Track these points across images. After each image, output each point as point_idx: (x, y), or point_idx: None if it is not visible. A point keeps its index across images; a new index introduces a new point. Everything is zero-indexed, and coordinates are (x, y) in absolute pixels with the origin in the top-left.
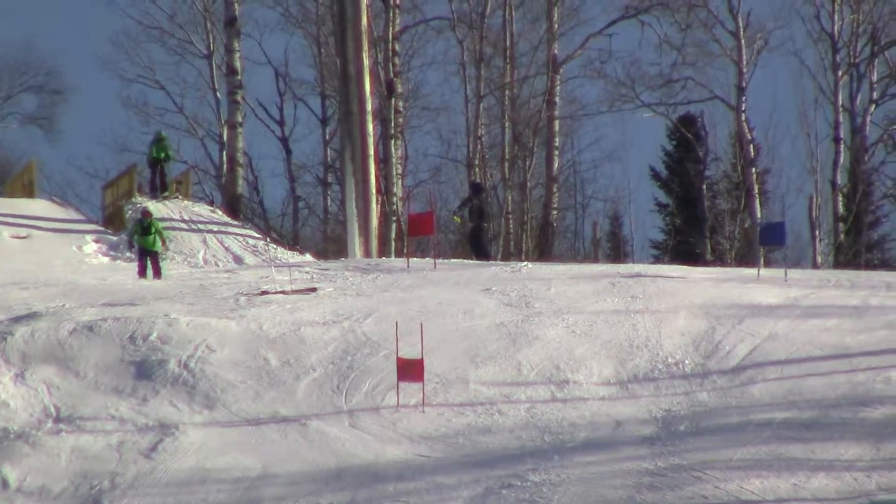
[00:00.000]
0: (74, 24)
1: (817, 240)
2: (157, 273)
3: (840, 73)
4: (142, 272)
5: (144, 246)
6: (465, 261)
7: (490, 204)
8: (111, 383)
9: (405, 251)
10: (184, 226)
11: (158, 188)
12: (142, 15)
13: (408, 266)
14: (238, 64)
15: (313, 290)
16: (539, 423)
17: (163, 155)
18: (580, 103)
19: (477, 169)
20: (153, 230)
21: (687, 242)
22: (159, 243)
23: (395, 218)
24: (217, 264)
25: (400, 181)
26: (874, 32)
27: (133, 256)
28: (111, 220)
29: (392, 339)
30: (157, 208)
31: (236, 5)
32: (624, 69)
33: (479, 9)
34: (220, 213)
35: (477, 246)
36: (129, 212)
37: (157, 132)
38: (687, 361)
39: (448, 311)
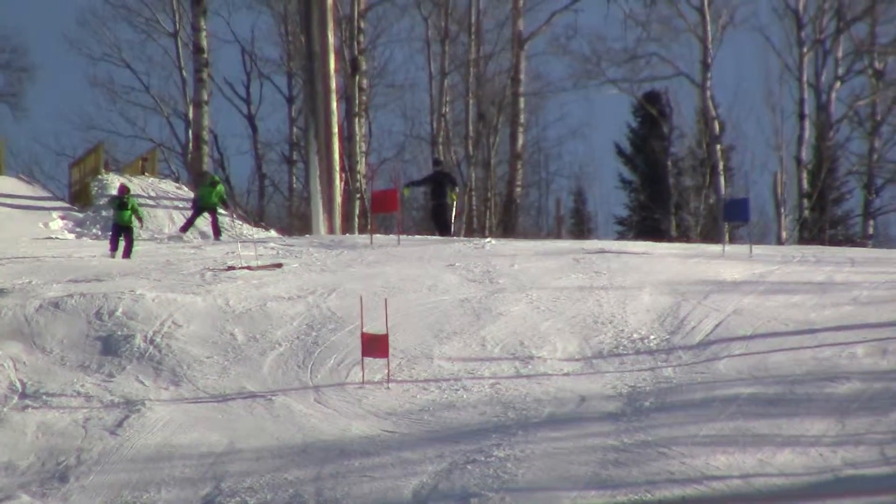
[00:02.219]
0: (41, 1)
1: (782, 216)
2: (128, 251)
3: (805, 49)
4: (113, 248)
5: (120, 222)
6: (429, 237)
7: (454, 179)
8: (77, 359)
9: (369, 227)
10: (151, 202)
11: (212, 234)
12: None
13: (371, 242)
14: (204, 42)
15: (278, 265)
16: (503, 399)
17: (215, 200)
18: (545, 80)
19: (441, 146)
20: (129, 206)
21: (652, 219)
22: (135, 220)
23: (358, 195)
24: (183, 240)
25: (364, 159)
26: (840, 8)
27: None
28: (78, 196)
29: (357, 314)
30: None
31: None
32: (589, 45)
33: None
34: (186, 189)
35: (439, 222)
36: (96, 188)
37: (210, 176)
38: (652, 337)
39: (412, 286)
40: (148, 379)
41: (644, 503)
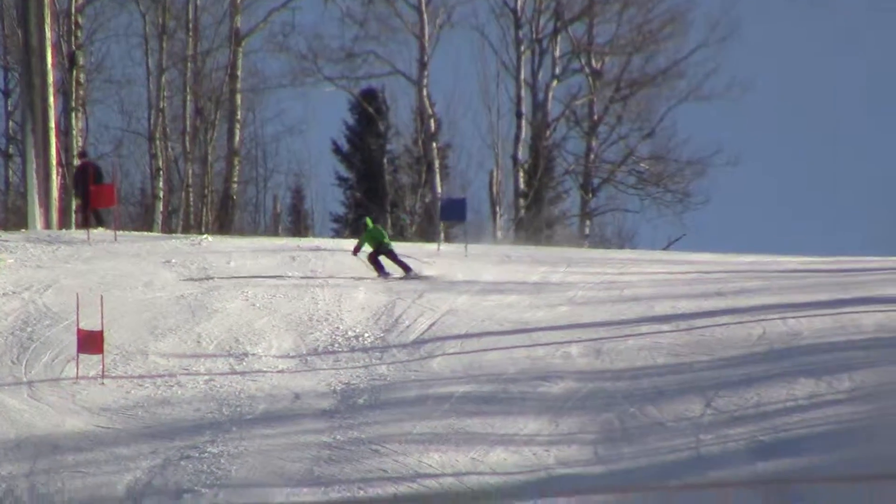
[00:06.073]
0: None
1: (498, 215)
2: None
3: (523, 48)
4: None
5: None
6: (147, 233)
7: (97, 168)
8: None
9: (86, 223)
10: None
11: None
12: None
13: (88, 238)
14: None
15: None
16: (218, 396)
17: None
18: (263, 77)
19: (158, 142)
20: None
21: (368, 217)
22: None
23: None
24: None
25: None
26: (557, 8)
27: None
28: None
29: (72, 310)
30: None
31: None
32: (306, 43)
33: None
34: None
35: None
36: None
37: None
38: (367, 335)
39: (128, 283)
40: None
41: (357, 501)
